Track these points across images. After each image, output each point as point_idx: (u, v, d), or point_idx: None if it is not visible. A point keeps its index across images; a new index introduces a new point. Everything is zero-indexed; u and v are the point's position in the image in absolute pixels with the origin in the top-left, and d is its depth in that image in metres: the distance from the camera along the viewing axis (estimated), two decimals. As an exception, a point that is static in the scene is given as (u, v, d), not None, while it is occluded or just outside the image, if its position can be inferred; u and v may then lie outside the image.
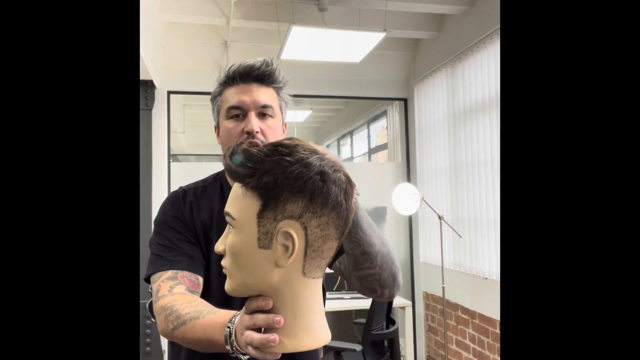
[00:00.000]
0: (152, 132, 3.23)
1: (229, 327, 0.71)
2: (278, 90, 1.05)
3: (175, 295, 0.89)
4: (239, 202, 0.64)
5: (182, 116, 5.21)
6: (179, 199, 1.06)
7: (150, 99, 3.19)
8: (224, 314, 0.76)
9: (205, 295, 0.99)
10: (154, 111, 3.25)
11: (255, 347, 0.64)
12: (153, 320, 1.01)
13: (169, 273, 0.94)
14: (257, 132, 0.99)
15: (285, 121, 1.10)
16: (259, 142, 0.99)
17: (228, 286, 0.67)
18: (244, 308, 0.68)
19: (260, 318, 0.64)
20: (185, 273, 0.95)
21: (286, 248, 0.63)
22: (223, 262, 0.68)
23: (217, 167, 1.17)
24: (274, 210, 0.62)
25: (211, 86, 1.07)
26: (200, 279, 0.97)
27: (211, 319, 0.77)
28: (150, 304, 0.98)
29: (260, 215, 0.63)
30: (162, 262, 0.96)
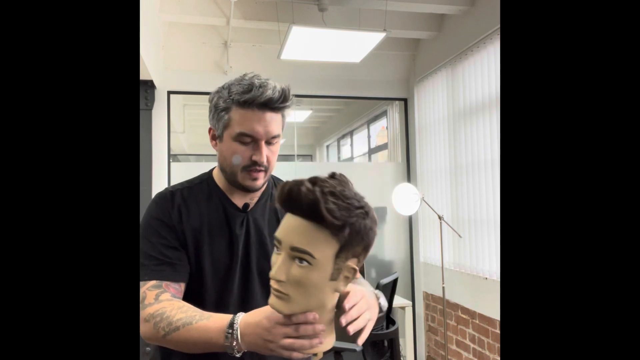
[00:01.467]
0: (152, 132, 3.23)
1: (229, 333, 0.81)
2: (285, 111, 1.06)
3: (162, 303, 0.93)
4: (322, 245, 0.75)
5: (182, 116, 5.20)
6: (166, 201, 1.05)
7: (150, 99, 3.19)
8: (218, 319, 0.85)
9: (201, 295, 1.01)
10: (154, 111, 3.25)
11: (295, 350, 0.78)
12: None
13: (153, 282, 0.97)
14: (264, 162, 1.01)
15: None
16: (263, 169, 1.01)
17: (286, 309, 0.77)
18: (279, 319, 0.78)
19: (309, 329, 0.78)
20: (167, 282, 0.98)
21: (347, 278, 0.79)
22: (281, 288, 0.77)
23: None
24: (346, 252, 0.77)
25: (211, 86, 1.07)
26: (183, 285, 1.00)
27: (206, 324, 0.85)
28: None
29: (337, 255, 0.76)
30: (144, 271, 0.98)
